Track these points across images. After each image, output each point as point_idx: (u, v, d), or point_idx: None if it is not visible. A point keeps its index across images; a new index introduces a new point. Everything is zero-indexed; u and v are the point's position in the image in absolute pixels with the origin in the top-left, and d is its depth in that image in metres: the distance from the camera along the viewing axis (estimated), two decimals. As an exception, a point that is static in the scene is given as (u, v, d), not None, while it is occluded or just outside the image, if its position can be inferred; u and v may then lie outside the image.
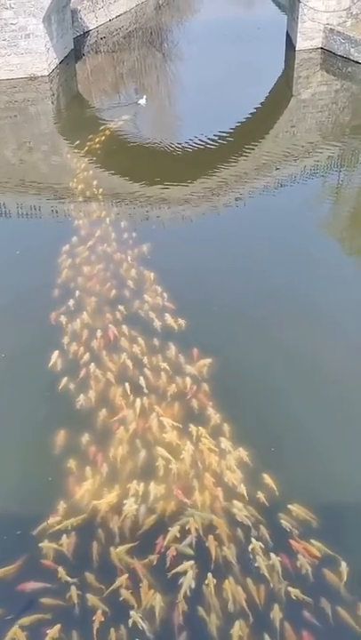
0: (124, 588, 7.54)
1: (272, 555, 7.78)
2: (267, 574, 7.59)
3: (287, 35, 30.46)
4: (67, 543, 8.03)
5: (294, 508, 8.31)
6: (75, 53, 30.16)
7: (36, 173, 19.39)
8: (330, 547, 7.86)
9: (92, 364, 10.82)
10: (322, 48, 28.00)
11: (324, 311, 12.18)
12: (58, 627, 7.16)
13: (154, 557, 7.84)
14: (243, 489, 8.58)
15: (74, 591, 7.50)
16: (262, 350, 11.10)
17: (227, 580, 7.52)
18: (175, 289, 12.66)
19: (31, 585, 7.61)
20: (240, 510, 8.30)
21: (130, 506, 8.41)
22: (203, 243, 14.77)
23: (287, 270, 13.58)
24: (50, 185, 18.13)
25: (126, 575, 7.65)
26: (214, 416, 9.72)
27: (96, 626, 7.16)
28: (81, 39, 32.04)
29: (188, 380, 10.41)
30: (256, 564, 7.70)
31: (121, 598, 7.44)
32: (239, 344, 11.28)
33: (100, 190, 17.22)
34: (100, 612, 7.29)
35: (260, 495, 8.50)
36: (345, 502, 8.67)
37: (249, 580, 7.53)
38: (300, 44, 27.93)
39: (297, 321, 11.88)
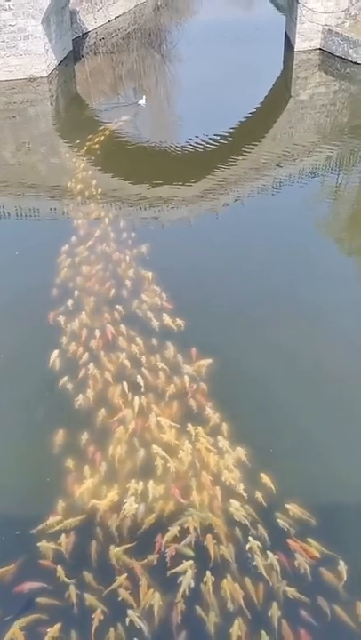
0: (123, 587, 7.55)
1: (270, 554, 7.81)
2: (265, 573, 7.61)
3: (286, 36, 30.50)
4: (65, 543, 8.05)
5: (292, 508, 8.33)
6: (74, 55, 30.18)
7: (35, 174, 19.40)
8: (327, 546, 7.88)
9: (91, 363, 10.84)
10: (320, 49, 28.04)
11: (323, 311, 12.19)
12: (56, 627, 7.16)
13: (152, 557, 7.85)
14: (241, 488, 8.59)
15: (72, 591, 7.51)
16: (261, 350, 11.11)
17: (225, 579, 7.55)
18: (174, 289, 12.67)
19: (30, 585, 7.62)
20: (238, 510, 8.32)
21: (128, 505, 8.43)
22: (201, 243, 14.79)
23: (286, 270, 13.60)
24: (49, 185, 18.14)
25: (125, 575, 7.67)
26: (213, 416, 9.74)
27: (95, 624, 7.17)
28: (80, 40, 32.06)
29: (186, 379, 10.42)
30: (254, 563, 7.72)
31: (120, 598, 7.45)
32: (238, 344, 11.29)
33: (99, 190, 17.23)
34: (98, 611, 7.30)
35: (259, 495, 8.52)
36: (342, 502, 8.69)
37: (247, 579, 7.55)
38: (299, 44, 27.97)
39: (295, 321, 11.90)
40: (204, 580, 7.55)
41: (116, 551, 7.92)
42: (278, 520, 8.23)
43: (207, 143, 20.58)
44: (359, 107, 24.44)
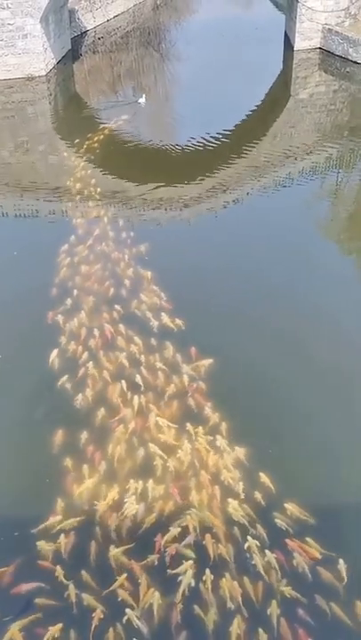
0: (123, 587, 7.55)
1: (268, 553, 7.82)
2: (263, 572, 7.62)
3: (285, 35, 30.46)
4: (64, 543, 8.04)
5: (291, 507, 8.34)
6: (72, 53, 30.12)
7: (34, 173, 19.38)
8: (325, 545, 7.89)
9: (90, 363, 10.83)
10: (320, 48, 27.99)
11: (323, 311, 12.19)
12: (55, 627, 7.16)
13: (152, 556, 7.85)
14: (240, 488, 8.60)
15: (72, 591, 7.51)
16: (260, 350, 11.10)
17: (224, 578, 7.56)
18: (173, 289, 12.66)
19: (29, 586, 7.61)
20: (237, 509, 8.32)
21: (128, 505, 8.43)
22: (201, 243, 14.78)
23: (285, 270, 13.59)
24: (47, 185, 18.12)
25: (125, 575, 7.66)
26: (212, 415, 9.74)
27: (94, 625, 7.16)
28: (79, 39, 32.01)
29: (185, 379, 10.42)
30: (253, 562, 7.73)
31: (119, 598, 7.45)
32: (237, 344, 11.28)
33: (98, 190, 17.21)
34: (98, 611, 7.29)
35: (258, 494, 8.53)
36: (341, 501, 8.71)
37: (246, 578, 7.56)
38: (299, 44, 27.93)
39: (295, 321, 11.90)
40: (204, 578, 7.56)
41: (115, 551, 7.91)
42: (277, 520, 8.24)
43: (207, 142, 20.56)
44: (359, 106, 24.41)
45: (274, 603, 7.32)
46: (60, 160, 19.96)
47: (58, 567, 7.77)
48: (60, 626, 7.17)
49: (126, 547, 7.97)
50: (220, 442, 9.27)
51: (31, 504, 8.72)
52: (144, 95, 24.65)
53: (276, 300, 12.64)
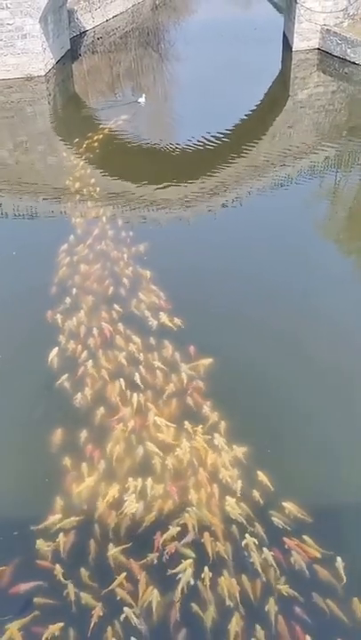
0: (122, 586, 7.56)
1: (266, 551, 7.85)
2: (261, 570, 7.65)
3: (284, 35, 30.51)
4: (63, 542, 8.05)
5: (288, 506, 8.36)
6: (71, 54, 30.15)
7: (33, 173, 19.39)
8: (323, 544, 7.92)
9: (89, 362, 10.85)
10: (319, 49, 28.04)
11: (322, 311, 12.21)
12: (54, 626, 7.16)
13: (151, 555, 7.87)
14: (238, 486, 8.62)
15: (71, 590, 7.52)
16: (259, 350, 11.12)
17: (222, 576, 7.58)
18: (172, 288, 12.68)
19: (28, 585, 7.61)
20: (235, 508, 8.35)
21: (127, 504, 8.44)
22: (200, 243, 14.80)
23: (284, 270, 13.61)
24: (47, 184, 18.13)
25: (124, 573, 7.68)
26: (211, 414, 9.76)
27: (93, 622, 7.18)
28: (78, 39, 32.03)
29: (184, 378, 10.44)
30: (251, 561, 7.76)
31: (118, 597, 7.47)
32: (236, 343, 11.30)
33: (98, 189, 17.23)
34: (97, 610, 7.31)
35: (256, 493, 8.55)
36: (339, 500, 8.73)
37: (244, 577, 7.59)
38: (297, 44, 27.98)
39: (293, 320, 11.92)
40: (202, 577, 7.59)
41: (114, 550, 7.92)
42: (275, 518, 8.26)
43: (206, 142, 20.59)
44: (357, 107, 24.46)
45: (272, 600, 7.36)
46: (60, 160, 19.99)
47: (57, 566, 7.78)
48: (59, 625, 7.18)
49: (125, 545, 7.99)
50: (219, 441, 9.30)
51: (30, 503, 8.72)
52: (144, 95, 24.67)
53: (275, 299, 12.66)
